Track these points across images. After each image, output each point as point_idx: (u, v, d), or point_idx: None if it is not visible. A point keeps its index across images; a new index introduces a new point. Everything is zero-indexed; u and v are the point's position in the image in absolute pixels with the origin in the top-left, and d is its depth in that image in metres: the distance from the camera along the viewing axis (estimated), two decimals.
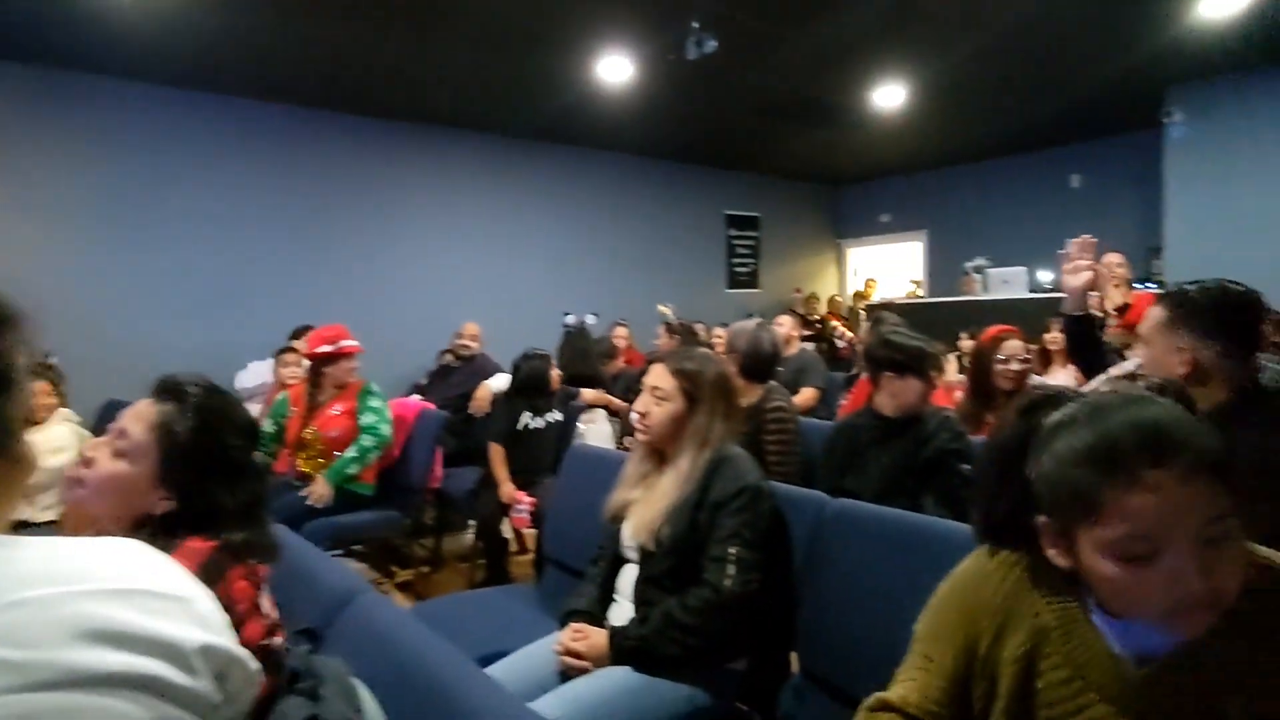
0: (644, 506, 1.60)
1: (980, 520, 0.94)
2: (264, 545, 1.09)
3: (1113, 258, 4.50)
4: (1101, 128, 6.68)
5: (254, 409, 3.77)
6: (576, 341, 4.36)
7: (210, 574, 0.95)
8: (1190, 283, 1.52)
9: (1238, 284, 1.50)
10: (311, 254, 5.56)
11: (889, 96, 5.50)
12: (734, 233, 8.31)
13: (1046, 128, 6.65)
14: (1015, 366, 2.65)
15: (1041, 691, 0.82)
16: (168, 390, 1.14)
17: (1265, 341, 4.00)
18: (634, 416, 1.70)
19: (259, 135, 5.35)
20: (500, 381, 3.88)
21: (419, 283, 6.05)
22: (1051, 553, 0.80)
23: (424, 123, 6.05)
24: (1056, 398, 0.84)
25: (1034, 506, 0.80)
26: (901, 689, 0.92)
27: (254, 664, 0.63)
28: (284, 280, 5.42)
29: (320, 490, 2.93)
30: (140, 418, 1.11)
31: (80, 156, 4.67)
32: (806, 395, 4.37)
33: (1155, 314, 1.52)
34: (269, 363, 4.19)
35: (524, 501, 3.07)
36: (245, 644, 0.62)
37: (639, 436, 1.69)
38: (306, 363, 3.30)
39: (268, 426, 3.19)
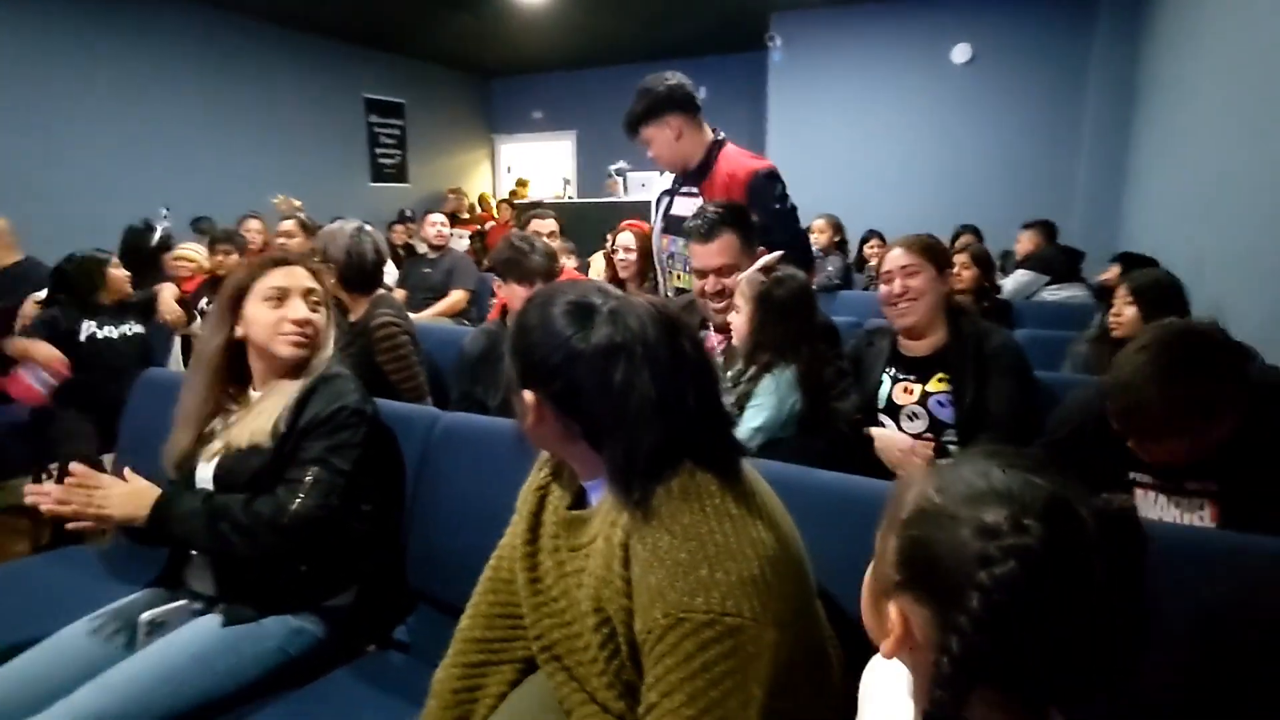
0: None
1: None
2: None
3: None
4: (725, 43, 7.31)
5: None
6: (134, 242, 3.57)
7: None
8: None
9: None
10: None
11: None
12: (376, 119, 7.54)
13: (681, 38, 7.07)
14: None
15: (546, 514, 0.99)
16: None
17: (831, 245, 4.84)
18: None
19: None
20: None
21: None
22: None
23: None
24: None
25: None
26: None
27: None
28: None
29: None
30: None
31: None
32: (455, 298, 4.23)
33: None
34: None
35: (49, 363, 2.50)
36: None
37: None
38: None
39: None
